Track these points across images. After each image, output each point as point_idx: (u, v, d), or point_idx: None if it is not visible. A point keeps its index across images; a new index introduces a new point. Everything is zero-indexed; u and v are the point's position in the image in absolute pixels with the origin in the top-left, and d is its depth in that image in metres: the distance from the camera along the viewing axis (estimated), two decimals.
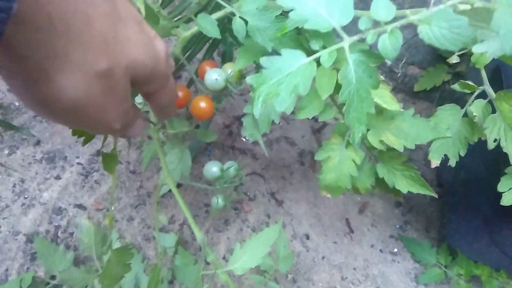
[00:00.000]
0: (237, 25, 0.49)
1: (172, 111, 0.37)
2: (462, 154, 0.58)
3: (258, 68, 0.73)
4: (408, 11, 0.31)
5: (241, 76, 0.59)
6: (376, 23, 0.33)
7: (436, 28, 0.30)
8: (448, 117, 0.60)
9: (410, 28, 0.93)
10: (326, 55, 0.34)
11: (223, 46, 0.74)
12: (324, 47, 0.35)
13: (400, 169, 0.59)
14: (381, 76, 0.47)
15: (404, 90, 1.01)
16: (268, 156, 0.86)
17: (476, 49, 0.48)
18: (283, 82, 0.34)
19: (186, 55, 0.76)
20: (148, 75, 0.28)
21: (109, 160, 0.47)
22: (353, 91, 0.33)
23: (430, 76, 0.96)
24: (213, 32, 0.51)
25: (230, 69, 0.57)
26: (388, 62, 0.98)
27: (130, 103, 0.29)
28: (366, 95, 0.34)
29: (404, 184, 0.58)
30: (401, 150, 0.53)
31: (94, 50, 0.23)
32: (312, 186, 0.84)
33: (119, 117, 0.28)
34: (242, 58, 0.54)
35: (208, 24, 0.52)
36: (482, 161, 0.69)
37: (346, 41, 0.34)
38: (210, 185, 0.65)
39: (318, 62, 0.35)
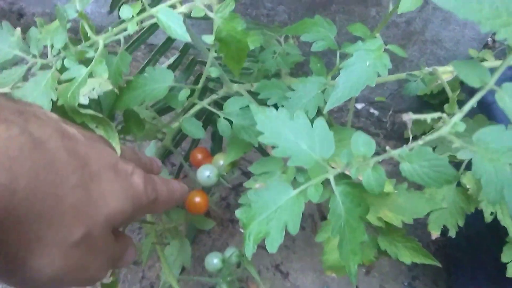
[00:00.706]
0: (222, 125, 0.50)
1: (171, 206, 0.36)
2: (461, 224, 0.58)
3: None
4: (388, 147, 0.32)
5: (233, 165, 0.60)
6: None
7: (418, 166, 0.30)
8: (442, 187, 0.60)
9: (394, 81, 0.94)
10: (312, 189, 0.34)
11: (213, 127, 0.75)
12: (309, 179, 0.35)
13: (401, 241, 0.58)
14: None
15: (394, 137, 1.02)
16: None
17: (460, 156, 0.49)
18: (272, 218, 0.34)
19: (175, 140, 0.76)
20: (130, 215, 0.28)
21: None
22: (343, 223, 0.33)
23: (419, 122, 0.96)
24: (198, 134, 0.53)
25: (221, 160, 0.57)
26: (376, 113, 0.99)
27: (114, 249, 0.28)
28: (357, 224, 0.33)
29: (407, 255, 0.58)
30: (400, 225, 0.53)
31: (67, 224, 0.23)
32: (316, 252, 0.83)
33: (105, 267, 0.27)
34: (231, 151, 0.55)
35: (192, 127, 0.53)
36: (481, 218, 0.69)
37: (331, 173, 0.34)
38: (212, 276, 0.64)
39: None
